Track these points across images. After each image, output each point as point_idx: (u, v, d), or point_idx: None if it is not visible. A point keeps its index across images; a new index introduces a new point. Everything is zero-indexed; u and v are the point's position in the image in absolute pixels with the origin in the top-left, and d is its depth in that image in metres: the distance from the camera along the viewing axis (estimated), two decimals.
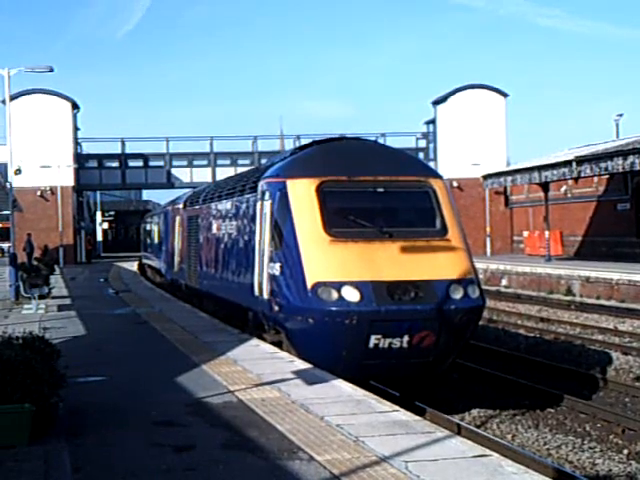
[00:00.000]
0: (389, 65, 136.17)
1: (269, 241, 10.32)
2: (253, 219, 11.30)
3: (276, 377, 7.94)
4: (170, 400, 7.16)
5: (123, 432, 6.12)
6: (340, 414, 6.42)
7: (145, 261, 32.97)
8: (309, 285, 9.27)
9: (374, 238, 9.61)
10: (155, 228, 26.97)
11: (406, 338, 9.17)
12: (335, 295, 9.13)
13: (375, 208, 10.13)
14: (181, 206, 19.06)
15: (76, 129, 41.71)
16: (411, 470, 4.97)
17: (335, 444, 5.58)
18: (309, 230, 9.65)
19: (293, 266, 9.60)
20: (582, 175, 27.52)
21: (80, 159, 41.75)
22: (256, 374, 8.17)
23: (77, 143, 42.27)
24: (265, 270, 10.37)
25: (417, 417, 6.36)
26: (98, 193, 55.21)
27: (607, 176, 30.43)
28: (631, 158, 24.53)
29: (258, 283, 10.68)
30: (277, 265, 9.96)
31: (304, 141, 41.80)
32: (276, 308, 10.00)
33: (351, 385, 7.69)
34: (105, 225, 56.77)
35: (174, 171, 42.11)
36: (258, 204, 11.02)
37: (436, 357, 9.49)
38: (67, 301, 17.84)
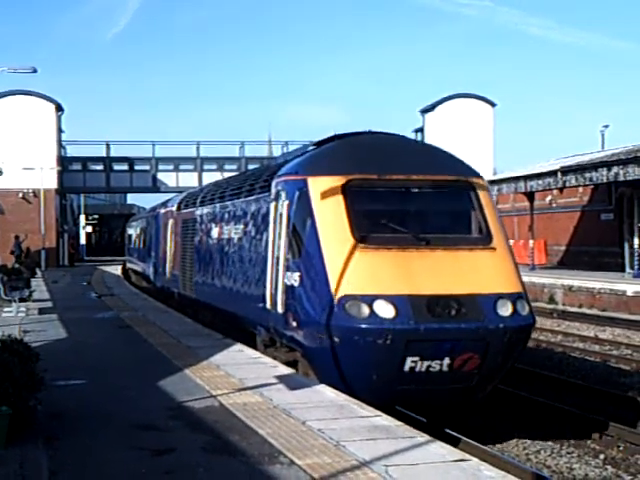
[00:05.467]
0: (380, 73, 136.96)
1: (286, 248, 9.11)
2: (264, 222, 10.10)
3: (259, 382, 7.92)
4: (151, 404, 7.12)
5: (102, 436, 6.08)
6: (322, 419, 6.42)
7: (130, 265, 32.70)
8: (335, 298, 8.08)
9: (409, 245, 8.42)
10: (142, 231, 26.14)
11: (447, 361, 8.00)
12: (366, 310, 7.94)
13: (409, 211, 8.98)
14: (174, 208, 17.80)
15: (60, 131, 41.40)
16: (391, 474, 4.98)
17: (316, 448, 5.58)
18: (335, 235, 8.46)
19: (316, 276, 8.41)
20: (567, 185, 27.76)
21: (64, 162, 41.48)
22: (239, 379, 8.14)
23: (61, 145, 42.01)
24: (280, 280, 9.14)
25: (398, 422, 6.37)
26: (82, 196, 54.89)
27: (592, 186, 30.69)
28: (615, 169, 24.78)
29: (271, 295, 9.47)
30: (296, 275, 8.75)
31: (292, 147, 41.92)
32: (293, 324, 8.80)
33: (334, 390, 7.68)
34: (89, 228, 56.35)
35: (160, 175, 41.98)
36: (272, 205, 9.79)
37: (479, 382, 8.35)
38: (48, 304, 17.67)
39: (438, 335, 7.94)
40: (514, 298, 8.33)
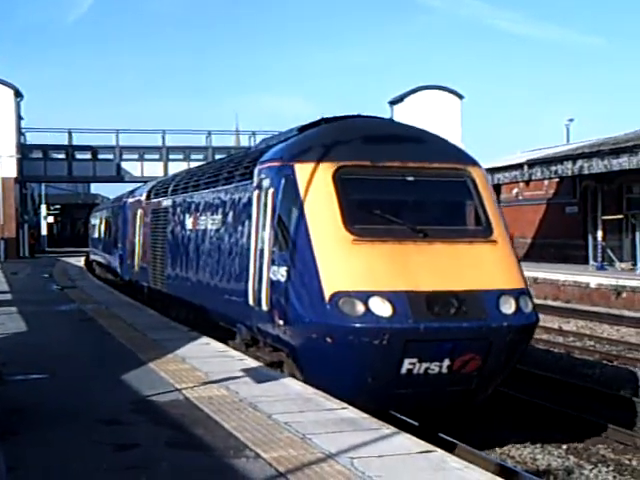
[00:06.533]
0: (349, 64, 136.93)
1: (271, 240, 8.50)
2: (246, 212, 9.45)
3: (225, 375, 7.83)
4: (114, 398, 7.00)
5: (63, 431, 5.95)
6: (288, 412, 6.37)
7: (94, 257, 32.16)
8: (327, 295, 7.49)
9: (406, 238, 7.89)
10: (108, 222, 25.44)
11: (446, 362, 7.53)
12: (361, 308, 7.39)
13: (405, 201, 8.41)
14: (143, 197, 16.91)
15: (19, 118, 40.34)
16: (357, 467, 4.95)
17: (282, 442, 5.53)
18: (326, 227, 7.87)
19: (305, 271, 7.82)
20: (533, 178, 28.16)
21: (24, 149, 40.47)
22: (204, 372, 8.05)
23: (20, 133, 40.94)
24: (265, 275, 8.51)
25: (364, 414, 6.35)
26: (43, 185, 53.83)
27: (557, 180, 31.13)
28: (580, 162, 25.18)
29: (253, 291, 8.85)
30: (282, 269, 8.14)
31: (260, 137, 41.51)
32: (280, 322, 8.17)
33: (300, 383, 7.63)
34: (50, 219, 55.27)
35: (124, 164, 41.35)
36: (254, 194, 9.14)
37: (479, 384, 7.91)
38: (7, 297, 17.29)
39: (438, 335, 7.44)
40: (517, 294, 7.88)
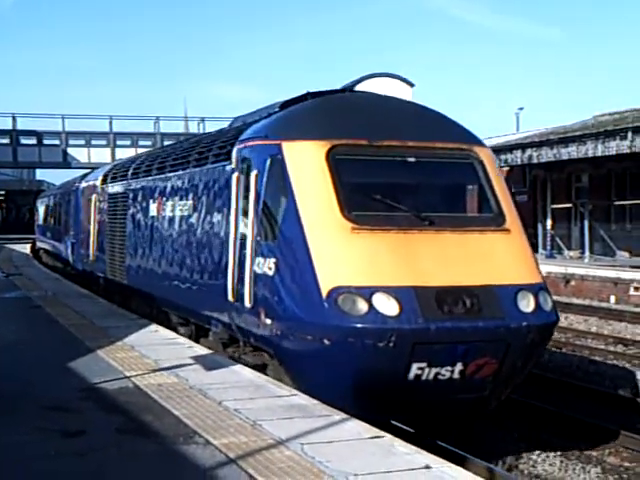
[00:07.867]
0: (304, 50, 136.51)
1: (254, 228, 7.61)
2: (222, 197, 8.55)
3: (174, 362, 7.77)
4: (61, 386, 6.88)
5: (8, 419, 5.82)
6: (239, 399, 6.35)
7: (41, 245, 31.44)
8: (324, 291, 6.61)
9: (411, 226, 7.02)
10: (57, 208, 24.56)
11: (459, 367, 6.73)
12: (364, 306, 6.53)
13: (407, 185, 7.60)
14: (99, 182, 15.80)
15: None
16: (307, 452, 4.97)
17: (232, 428, 5.51)
18: (320, 213, 6.98)
19: (297, 264, 6.95)
20: None
21: None
22: (154, 359, 7.98)
23: None
24: (247, 268, 7.62)
25: (315, 401, 6.37)
26: None
27: (507, 168, 31.71)
28: (529, 151, 25.71)
29: (233, 285, 7.92)
30: (270, 261, 7.24)
31: (209, 124, 41.11)
32: (266, 321, 7.27)
33: (252, 371, 7.59)
34: None
35: (70, 150, 40.51)
36: (233, 176, 8.19)
37: (493, 391, 7.11)
38: None
39: (451, 336, 6.61)
40: (536, 290, 7.06)
